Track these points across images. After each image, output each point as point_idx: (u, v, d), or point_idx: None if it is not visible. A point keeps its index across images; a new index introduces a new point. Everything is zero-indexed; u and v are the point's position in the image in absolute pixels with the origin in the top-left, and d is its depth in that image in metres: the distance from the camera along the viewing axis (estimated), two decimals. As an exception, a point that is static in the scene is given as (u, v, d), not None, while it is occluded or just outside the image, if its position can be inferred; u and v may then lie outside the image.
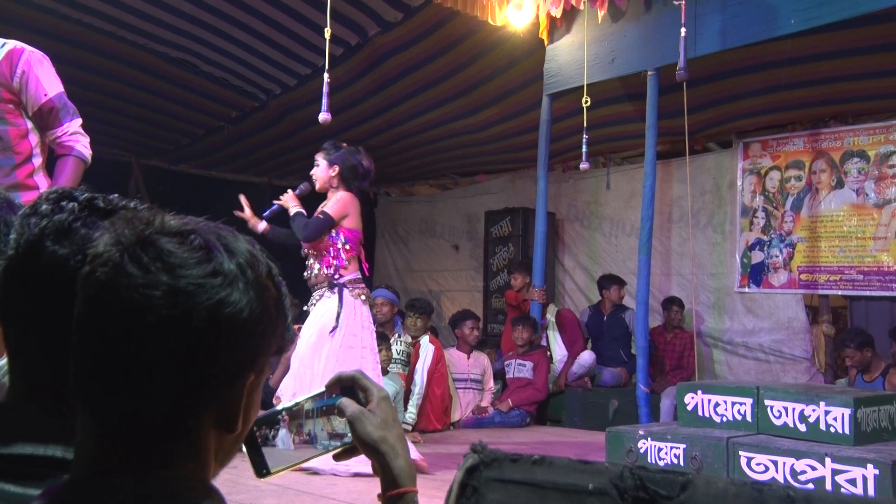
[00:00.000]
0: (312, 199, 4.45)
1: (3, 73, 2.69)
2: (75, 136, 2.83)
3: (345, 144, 4.45)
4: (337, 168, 4.32)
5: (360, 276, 4.36)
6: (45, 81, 2.76)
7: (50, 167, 2.89)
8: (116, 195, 1.00)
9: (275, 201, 4.38)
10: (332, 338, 4.17)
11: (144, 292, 0.74)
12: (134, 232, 0.77)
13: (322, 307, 4.25)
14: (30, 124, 2.78)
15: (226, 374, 0.79)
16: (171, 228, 0.79)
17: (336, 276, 4.25)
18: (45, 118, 2.78)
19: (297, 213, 4.28)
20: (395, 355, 6.09)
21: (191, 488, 0.79)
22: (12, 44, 2.72)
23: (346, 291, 4.23)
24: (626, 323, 7.11)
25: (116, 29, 5.79)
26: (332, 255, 4.28)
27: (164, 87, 6.78)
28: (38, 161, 2.82)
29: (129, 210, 0.97)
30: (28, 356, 0.92)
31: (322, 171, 4.36)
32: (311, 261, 4.32)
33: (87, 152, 2.86)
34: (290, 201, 4.34)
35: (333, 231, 4.26)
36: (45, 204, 0.94)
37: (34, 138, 2.80)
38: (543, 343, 6.90)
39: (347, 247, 4.27)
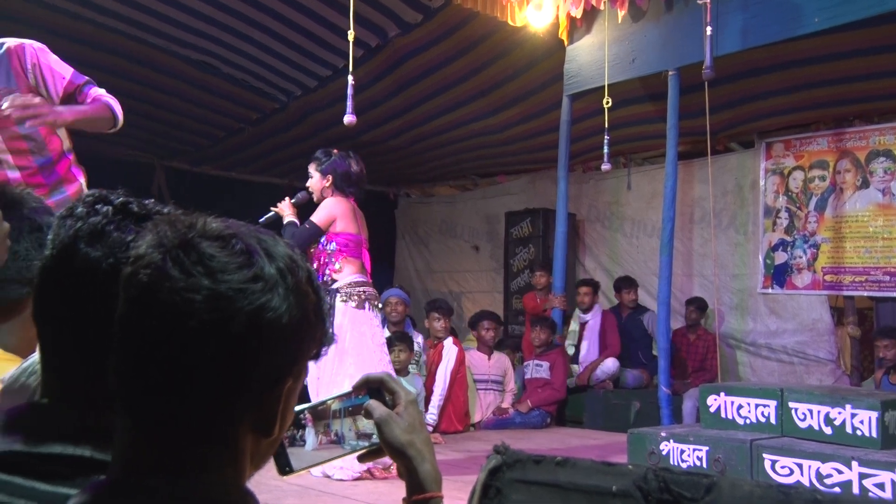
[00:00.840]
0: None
1: (18, 73, 2.69)
2: (107, 96, 2.80)
3: (335, 151, 4.47)
4: (329, 177, 4.37)
5: (359, 279, 4.32)
6: (57, 66, 2.75)
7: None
8: (152, 200, 1.01)
9: (272, 208, 4.40)
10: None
11: (186, 296, 0.74)
12: (176, 234, 0.78)
13: None
14: None
15: (265, 379, 0.79)
16: (213, 232, 0.79)
17: (329, 283, 4.24)
18: (72, 99, 2.76)
19: (290, 223, 4.33)
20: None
21: (227, 492, 0.79)
22: (11, 41, 2.69)
23: (337, 298, 4.22)
24: (644, 325, 7.07)
25: (139, 32, 5.84)
26: (322, 261, 4.30)
27: (186, 90, 6.84)
28: (71, 154, 2.86)
29: (163, 214, 0.98)
30: (63, 357, 0.93)
31: (316, 181, 4.41)
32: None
33: (118, 108, 2.81)
34: (285, 209, 4.38)
35: (323, 238, 4.29)
36: (81, 206, 0.95)
37: (62, 131, 2.81)
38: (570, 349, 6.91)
39: (336, 251, 4.28)
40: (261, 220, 4.31)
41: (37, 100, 2.56)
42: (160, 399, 0.76)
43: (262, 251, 0.79)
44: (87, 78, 2.81)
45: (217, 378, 0.76)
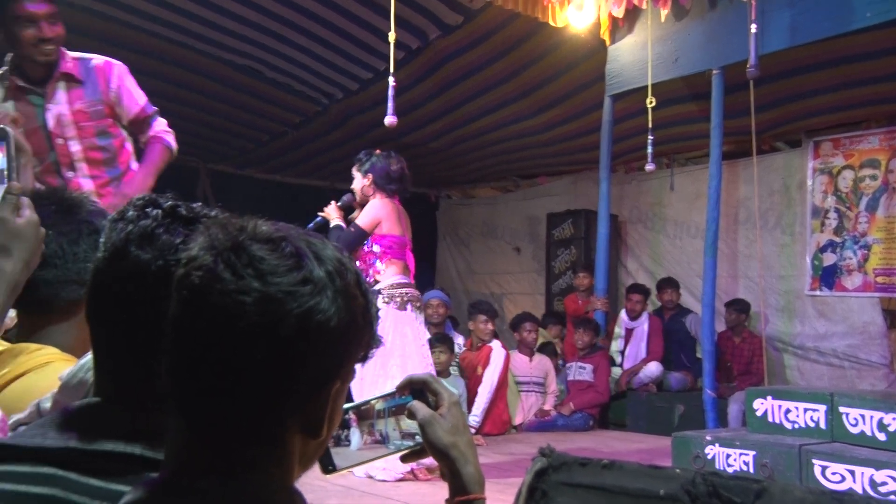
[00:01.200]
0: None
1: (102, 90, 2.89)
2: (165, 132, 3.06)
3: (377, 151, 4.49)
4: (370, 176, 4.40)
5: (402, 281, 4.35)
6: (135, 91, 2.98)
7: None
8: (199, 203, 1.03)
9: (318, 213, 4.44)
10: None
11: (236, 298, 0.75)
12: (228, 237, 0.79)
13: None
14: (124, 133, 3.02)
15: (313, 382, 0.79)
16: (264, 235, 0.79)
17: (372, 285, 4.26)
18: (140, 125, 3.01)
19: (336, 227, 4.35)
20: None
21: (275, 492, 0.80)
22: (99, 59, 2.90)
23: (379, 300, 4.23)
24: (686, 327, 6.98)
25: (186, 38, 5.95)
26: (366, 263, 4.32)
27: (231, 94, 6.94)
28: (135, 166, 3.04)
29: (211, 217, 0.99)
30: (115, 358, 0.95)
31: (358, 183, 4.47)
32: None
33: (174, 145, 3.08)
34: (332, 213, 4.41)
35: (368, 240, 4.32)
36: (132, 210, 0.97)
37: (129, 146, 3.04)
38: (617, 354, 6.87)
39: (380, 253, 4.31)
40: (309, 225, 4.35)
41: (128, 189, 2.83)
42: (211, 400, 0.77)
43: (311, 254, 0.80)
44: (155, 109, 3.06)
45: (266, 379, 0.76)
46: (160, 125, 3.08)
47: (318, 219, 4.41)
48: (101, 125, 2.93)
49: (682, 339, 6.99)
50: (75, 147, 2.89)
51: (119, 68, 2.96)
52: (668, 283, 7.23)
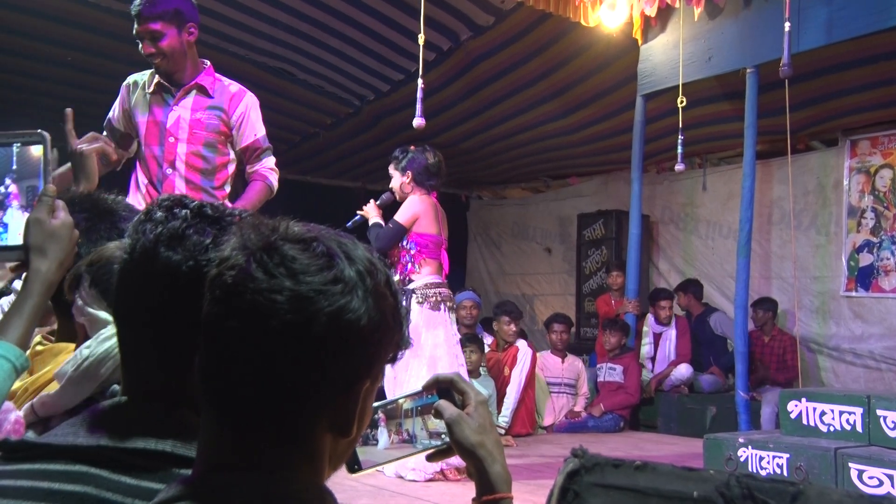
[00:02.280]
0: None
1: (227, 111, 3.18)
2: (270, 170, 3.31)
3: (412, 147, 4.48)
4: (409, 173, 4.38)
5: (435, 280, 4.34)
6: (257, 123, 3.26)
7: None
8: (221, 203, 1.04)
9: (357, 212, 4.44)
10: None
11: (269, 296, 0.76)
12: (260, 237, 0.80)
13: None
14: (232, 155, 3.25)
15: (343, 381, 0.80)
16: (295, 235, 0.81)
17: (406, 283, 4.25)
18: (251, 154, 3.26)
19: (375, 224, 4.34)
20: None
21: (305, 489, 0.81)
22: (237, 87, 3.23)
23: (413, 299, 4.23)
24: (711, 327, 6.92)
25: (217, 41, 6.01)
26: (403, 261, 4.30)
27: (263, 96, 6.85)
28: (228, 188, 3.28)
29: (235, 216, 1.01)
30: (142, 358, 0.96)
31: (396, 181, 4.45)
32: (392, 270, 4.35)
33: (276, 185, 3.35)
34: (371, 211, 4.40)
35: (404, 238, 4.30)
36: (159, 211, 0.98)
37: (232, 168, 3.26)
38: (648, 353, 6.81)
39: (416, 252, 4.29)
40: (348, 224, 4.36)
41: None
42: (242, 398, 0.78)
43: (342, 254, 0.81)
44: (269, 146, 3.32)
45: (297, 378, 0.77)
46: (268, 162, 3.32)
47: (357, 217, 4.41)
48: (212, 139, 3.17)
49: (710, 339, 6.94)
50: (182, 149, 3.13)
51: (251, 98, 3.26)
52: (684, 287, 7.21)
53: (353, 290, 0.79)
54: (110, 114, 3.26)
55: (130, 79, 3.26)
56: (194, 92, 3.18)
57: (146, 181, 3.19)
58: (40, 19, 5.47)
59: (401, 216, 4.31)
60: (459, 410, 1.04)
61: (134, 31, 3.08)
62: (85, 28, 5.58)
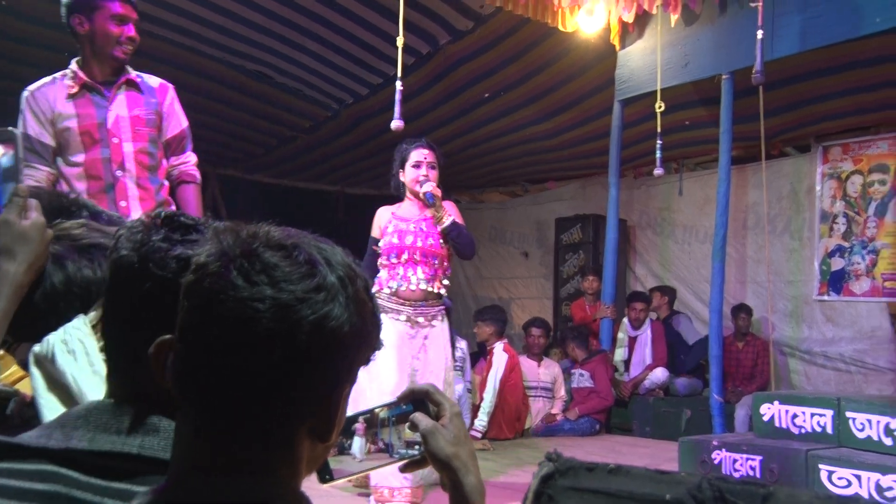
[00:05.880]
0: (380, 200, 4.14)
1: (156, 103, 3.10)
2: (194, 167, 3.24)
3: (403, 146, 4.01)
4: (436, 174, 3.80)
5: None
6: (180, 113, 3.19)
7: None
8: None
9: (429, 191, 3.64)
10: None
11: (250, 304, 0.75)
12: (239, 243, 0.79)
13: (436, 335, 3.64)
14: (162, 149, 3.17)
15: (325, 386, 0.81)
16: (276, 241, 0.80)
17: (438, 293, 3.68)
18: (175, 145, 3.18)
19: (457, 224, 3.66)
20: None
21: (282, 495, 0.81)
22: (157, 79, 3.16)
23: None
24: (675, 329, 7.06)
25: (195, 43, 5.98)
26: (443, 268, 3.72)
27: (241, 99, 6.96)
28: (167, 182, 3.19)
29: (209, 224, 1.01)
30: (120, 361, 0.96)
31: (431, 186, 3.70)
32: (402, 270, 3.66)
33: (198, 174, 3.27)
34: (448, 209, 3.69)
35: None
36: (136, 220, 0.99)
37: (164, 162, 3.18)
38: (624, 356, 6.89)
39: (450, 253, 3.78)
40: (429, 198, 3.67)
41: None
42: (223, 404, 0.78)
43: (322, 260, 0.80)
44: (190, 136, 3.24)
45: (279, 385, 0.77)
46: (192, 158, 3.25)
47: (430, 196, 3.64)
48: (153, 134, 3.10)
49: (675, 340, 7.06)
50: (128, 148, 3.03)
51: (172, 90, 3.18)
52: (662, 289, 7.43)
53: (335, 297, 0.79)
54: (30, 132, 2.96)
55: (31, 89, 3.01)
56: (124, 89, 3.05)
57: (95, 189, 2.97)
58: None
59: (460, 219, 3.72)
60: (434, 422, 1.04)
61: (118, 14, 2.93)
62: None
